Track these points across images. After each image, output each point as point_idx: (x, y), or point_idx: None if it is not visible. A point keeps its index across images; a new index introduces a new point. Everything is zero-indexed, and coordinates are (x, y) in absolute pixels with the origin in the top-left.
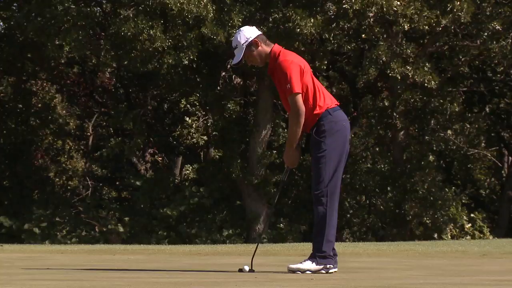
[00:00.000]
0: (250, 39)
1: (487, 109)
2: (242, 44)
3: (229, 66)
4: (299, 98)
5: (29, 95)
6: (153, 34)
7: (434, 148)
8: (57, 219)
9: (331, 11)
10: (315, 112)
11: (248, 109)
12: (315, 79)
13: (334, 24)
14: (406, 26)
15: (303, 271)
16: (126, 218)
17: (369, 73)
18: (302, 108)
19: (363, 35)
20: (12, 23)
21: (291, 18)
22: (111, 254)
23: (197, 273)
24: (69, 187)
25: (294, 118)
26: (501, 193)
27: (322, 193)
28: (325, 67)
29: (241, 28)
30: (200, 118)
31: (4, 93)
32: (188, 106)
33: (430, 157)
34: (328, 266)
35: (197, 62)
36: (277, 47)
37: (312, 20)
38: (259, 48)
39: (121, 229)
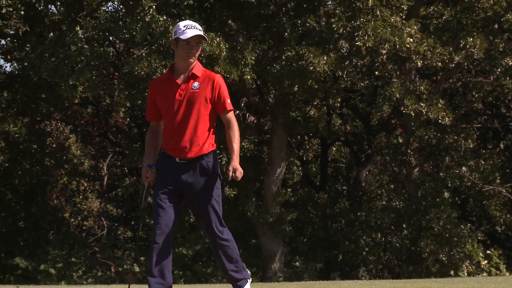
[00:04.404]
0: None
1: (502, 145)
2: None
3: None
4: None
5: (43, 136)
6: None
7: (449, 185)
8: (72, 259)
9: (344, 48)
10: (214, 142)
11: (262, 147)
12: None
13: (347, 62)
14: (419, 63)
15: None
16: (142, 258)
17: (382, 110)
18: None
19: (376, 72)
20: (25, 63)
21: (304, 56)
22: None
23: None
24: (84, 227)
25: (237, 132)
26: None
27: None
28: (338, 105)
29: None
30: None
31: (18, 134)
32: None
33: (445, 194)
34: None
35: None
36: None
37: (325, 58)
38: None
39: (137, 269)
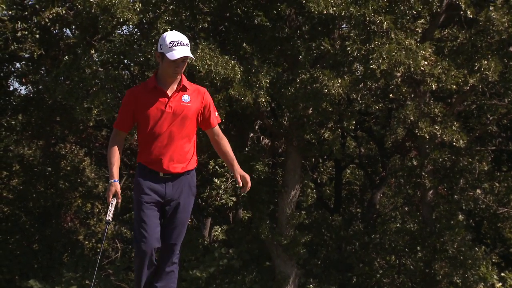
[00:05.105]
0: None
1: None
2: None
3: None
4: None
5: (58, 159)
6: None
7: (463, 207)
8: (87, 282)
9: (359, 71)
10: (196, 158)
11: (277, 170)
12: None
13: (362, 84)
14: (433, 86)
15: None
16: None
17: (397, 133)
18: None
19: (390, 95)
20: (40, 87)
21: (318, 78)
22: None
23: None
24: (98, 250)
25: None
26: None
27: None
28: (353, 127)
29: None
30: (229, 179)
31: (33, 157)
32: (217, 167)
33: (460, 216)
34: None
35: (225, 124)
36: None
37: (339, 81)
38: None
39: None
